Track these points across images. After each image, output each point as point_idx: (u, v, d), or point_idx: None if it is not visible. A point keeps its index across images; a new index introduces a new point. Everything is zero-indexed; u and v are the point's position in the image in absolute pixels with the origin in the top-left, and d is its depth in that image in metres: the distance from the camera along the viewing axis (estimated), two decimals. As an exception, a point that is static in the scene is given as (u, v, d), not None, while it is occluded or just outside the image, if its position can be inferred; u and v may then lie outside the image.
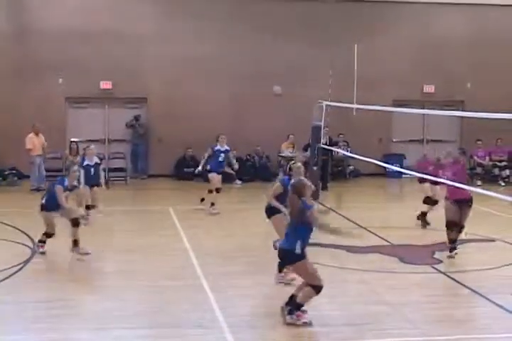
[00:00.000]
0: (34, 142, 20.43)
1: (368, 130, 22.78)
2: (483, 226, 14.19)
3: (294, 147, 21.98)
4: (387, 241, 13.26)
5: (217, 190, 16.41)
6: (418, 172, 13.33)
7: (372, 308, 9.05)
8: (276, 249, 9.55)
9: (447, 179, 11.44)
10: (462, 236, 12.20)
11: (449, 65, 23.68)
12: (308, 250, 8.49)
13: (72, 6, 22.16)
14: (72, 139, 21.54)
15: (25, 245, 12.56)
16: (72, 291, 9.88)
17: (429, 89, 24.06)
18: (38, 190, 19.59)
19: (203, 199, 16.58)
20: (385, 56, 23.32)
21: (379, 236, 13.61)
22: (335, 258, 11.66)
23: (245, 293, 9.74)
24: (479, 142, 22.93)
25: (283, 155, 21.75)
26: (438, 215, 13.15)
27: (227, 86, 22.88)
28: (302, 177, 8.95)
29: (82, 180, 14.49)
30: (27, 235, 13.19)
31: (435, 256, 12.11)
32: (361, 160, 15.71)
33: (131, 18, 22.42)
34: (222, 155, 16.61)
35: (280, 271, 9.95)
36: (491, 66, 23.72)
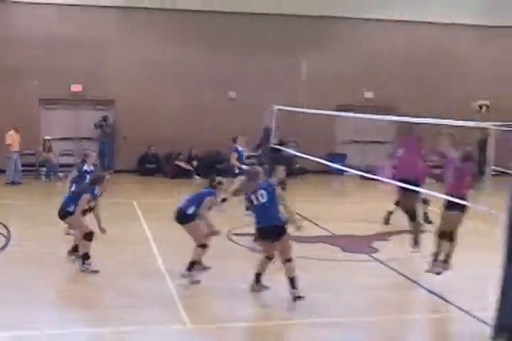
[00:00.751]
0: (13, 138, 20.14)
1: (315, 132, 22.88)
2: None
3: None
4: (330, 232, 13.35)
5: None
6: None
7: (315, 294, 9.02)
8: None
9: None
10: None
11: (385, 75, 23.90)
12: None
13: (46, 15, 22.02)
14: (46, 137, 21.43)
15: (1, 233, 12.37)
16: (33, 277, 9.69)
17: (368, 95, 24.31)
18: (13, 183, 19.48)
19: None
20: (329, 67, 23.50)
21: (322, 228, 13.69)
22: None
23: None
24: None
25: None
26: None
27: (187, 90, 22.89)
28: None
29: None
30: (3, 224, 13.03)
31: (373, 245, 12.22)
32: (308, 159, 15.73)
33: (98, 26, 22.36)
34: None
35: None
36: (423, 77, 24.08)
